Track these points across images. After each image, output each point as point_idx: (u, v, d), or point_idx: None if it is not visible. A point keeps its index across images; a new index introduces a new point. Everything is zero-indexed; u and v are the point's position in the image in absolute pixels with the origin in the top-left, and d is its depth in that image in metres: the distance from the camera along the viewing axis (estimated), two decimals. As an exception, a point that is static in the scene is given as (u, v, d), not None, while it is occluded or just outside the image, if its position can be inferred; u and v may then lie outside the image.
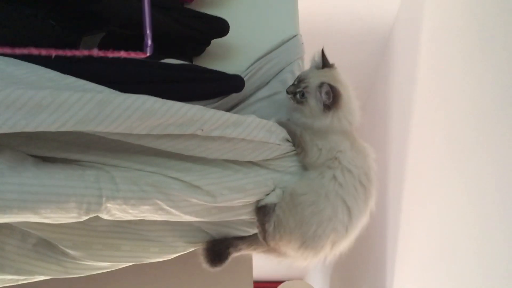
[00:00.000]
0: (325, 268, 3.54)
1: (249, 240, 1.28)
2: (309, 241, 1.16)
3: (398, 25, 2.30)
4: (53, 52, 0.62)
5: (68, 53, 0.63)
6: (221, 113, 1.11)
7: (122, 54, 0.64)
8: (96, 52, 0.61)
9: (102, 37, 1.15)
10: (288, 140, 1.23)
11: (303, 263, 1.21)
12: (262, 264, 1.35)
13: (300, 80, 1.26)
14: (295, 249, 1.17)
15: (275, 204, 1.17)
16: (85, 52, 0.61)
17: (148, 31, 0.70)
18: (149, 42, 0.70)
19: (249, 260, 2.05)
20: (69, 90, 0.98)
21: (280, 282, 3.35)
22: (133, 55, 0.67)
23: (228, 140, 1.13)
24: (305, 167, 1.22)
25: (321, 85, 1.18)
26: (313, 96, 1.20)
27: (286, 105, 1.32)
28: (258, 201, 1.19)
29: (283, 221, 1.16)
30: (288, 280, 3.22)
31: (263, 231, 1.18)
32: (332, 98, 1.17)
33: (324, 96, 1.17)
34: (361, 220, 1.20)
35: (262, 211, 1.18)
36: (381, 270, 2.18)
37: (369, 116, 2.56)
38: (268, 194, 1.18)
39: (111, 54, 0.62)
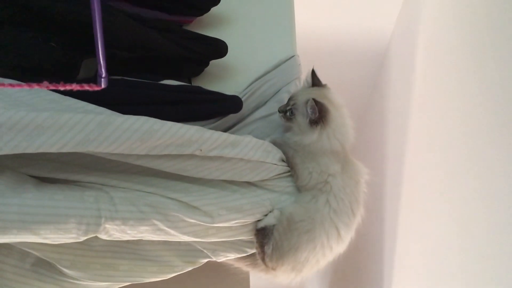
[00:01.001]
0: (323, 280, 3.54)
1: None
2: (299, 265, 1.19)
3: (394, 43, 2.33)
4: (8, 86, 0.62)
5: (16, 86, 0.62)
6: (219, 133, 1.13)
7: (75, 87, 0.63)
8: (46, 85, 0.60)
9: (103, 59, 1.17)
10: (283, 161, 1.25)
11: (285, 281, 1.24)
12: (259, 275, 1.37)
13: (290, 99, 1.29)
14: (286, 271, 1.20)
15: (273, 226, 1.18)
16: (34, 85, 0.60)
17: (102, 61, 0.66)
18: (103, 73, 0.65)
19: (246, 272, 2.05)
20: (70, 111, 1.00)
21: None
22: (86, 87, 0.65)
23: (227, 160, 1.15)
24: (298, 189, 1.24)
25: (307, 101, 1.20)
26: (300, 112, 1.23)
27: (282, 125, 1.34)
28: (256, 223, 1.21)
29: (278, 244, 1.17)
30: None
31: (262, 252, 1.19)
32: (318, 113, 1.18)
33: (309, 111, 1.19)
34: (344, 245, 1.24)
35: (262, 233, 1.19)
36: (378, 283, 2.19)
37: (365, 132, 2.58)
38: (266, 215, 1.20)
39: (62, 87, 0.61)
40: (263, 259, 1.20)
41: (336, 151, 1.23)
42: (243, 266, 1.35)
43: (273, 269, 1.21)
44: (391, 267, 2.03)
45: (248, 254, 1.26)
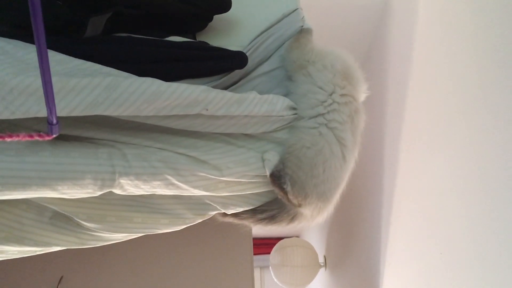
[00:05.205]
0: (321, 226, 3.64)
1: None
2: (321, 185, 1.21)
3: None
4: None
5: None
6: (224, 92, 1.14)
7: (22, 137, 0.60)
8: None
9: (109, 17, 1.17)
10: (292, 108, 1.26)
11: (320, 219, 1.28)
12: (285, 229, 1.41)
13: None
14: (311, 203, 1.22)
15: (281, 165, 1.21)
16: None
17: (51, 108, 0.60)
18: (54, 120, 0.60)
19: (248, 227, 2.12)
20: (77, 74, 1.01)
21: (278, 239, 3.43)
22: (36, 137, 0.61)
23: (232, 118, 1.18)
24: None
25: None
26: None
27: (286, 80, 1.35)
28: (268, 175, 1.23)
29: (294, 178, 1.20)
30: (286, 238, 3.31)
31: (284, 193, 1.21)
32: None
33: None
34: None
35: (275, 177, 1.21)
36: (375, 228, 2.25)
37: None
38: (269, 160, 1.22)
39: (9, 138, 0.58)
40: (288, 200, 1.22)
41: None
42: (253, 223, 1.37)
43: (300, 205, 1.23)
44: (388, 216, 2.10)
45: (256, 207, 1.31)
